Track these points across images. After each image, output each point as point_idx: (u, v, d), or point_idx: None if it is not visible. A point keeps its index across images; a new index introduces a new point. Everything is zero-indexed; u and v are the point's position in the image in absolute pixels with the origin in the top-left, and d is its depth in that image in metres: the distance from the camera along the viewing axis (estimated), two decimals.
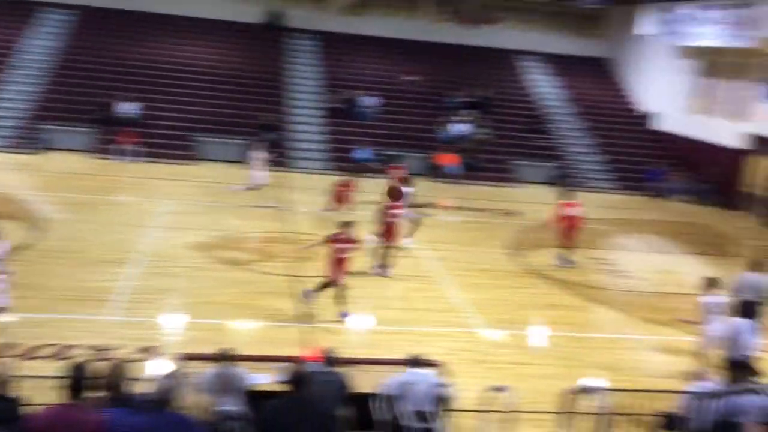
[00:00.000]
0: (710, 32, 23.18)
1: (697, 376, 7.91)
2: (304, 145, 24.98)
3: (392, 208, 14.27)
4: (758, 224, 21.86)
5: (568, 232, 15.43)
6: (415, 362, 7.61)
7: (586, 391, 4.75)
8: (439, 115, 26.78)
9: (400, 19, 30.61)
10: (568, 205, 15.57)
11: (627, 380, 9.73)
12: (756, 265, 11.36)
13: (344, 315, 11.60)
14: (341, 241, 11.68)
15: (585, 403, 5.09)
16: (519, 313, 12.91)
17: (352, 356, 9.03)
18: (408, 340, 10.84)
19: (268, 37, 29.20)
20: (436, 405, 7.28)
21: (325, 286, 11.65)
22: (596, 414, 4.25)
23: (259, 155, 20.09)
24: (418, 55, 29.51)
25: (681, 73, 26.63)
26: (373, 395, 7.42)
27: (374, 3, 30.36)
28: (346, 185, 17.74)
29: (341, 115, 26.19)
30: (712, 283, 10.56)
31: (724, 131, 23.96)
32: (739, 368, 8.73)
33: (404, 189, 15.69)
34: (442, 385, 7.09)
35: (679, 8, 24.67)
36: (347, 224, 11.93)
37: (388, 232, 14.07)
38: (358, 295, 12.95)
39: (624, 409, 7.77)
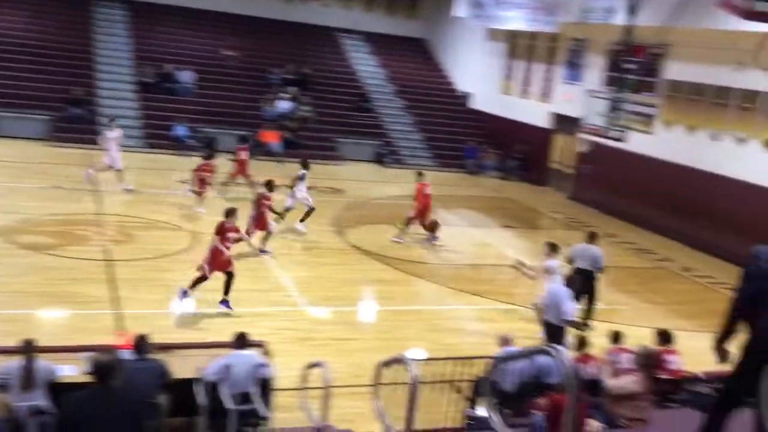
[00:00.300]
0: (517, 17, 24.44)
1: (504, 342, 8.29)
2: (116, 122, 23.47)
3: (267, 198, 14.01)
4: (564, 198, 23.48)
5: (424, 210, 15.93)
6: (238, 343, 7.41)
7: (398, 361, 4.79)
8: (261, 91, 26.28)
9: None
10: (425, 185, 15.94)
11: (445, 349, 10.09)
12: (591, 237, 12.18)
13: (226, 304, 11.11)
14: (229, 230, 11.18)
15: (399, 375, 5.18)
16: (343, 289, 12.99)
17: (172, 341, 8.67)
18: (232, 321, 10.56)
19: (76, 5, 27.18)
20: (258, 386, 7.13)
21: (200, 280, 11.05)
22: (408, 384, 4.30)
23: (113, 134, 18.24)
24: (239, 29, 28.73)
25: (493, 55, 27.93)
26: (195, 380, 7.14)
27: None
28: (206, 168, 16.86)
29: (155, 90, 24.96)
30: (553, 249, 11.51)
31: (533, 111, 25.47)
32: (556, 331, 9.35)
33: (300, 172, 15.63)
34: (263, 366, 6.94)
35: None
36: (231, 212, 11.44)
37: (261, 220, 13.84)
38: (179, 279, 12.46)
39: (443, 376, 8.03)
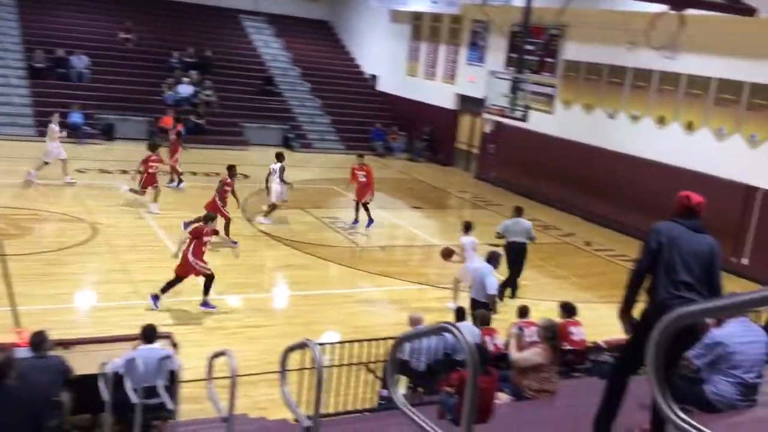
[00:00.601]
0: None
1: (414, 322, 8.37)
2: (5, 109, 22.34)
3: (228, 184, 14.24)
4: (471, 178, 23.89)
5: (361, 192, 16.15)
6: (145, 336, 7.19)
7: (303, 346, 4.75)
8: (161, 76, 25.48)
9: None
10: (359, 169, 15.94)
11: (358, 331, 10.11)
12: (518, 211, 13.06)
13: (207, 305, 10.85)
14: (207, 234, 11.00)
15: (310, 359, 5.14)
16: (253, 276, 12.81)
17: (74, 337, 8.35)
18: (135, 314, 10.25)
19: None
20: (165, 378, 6.94)
21: (173, 283, 10.75)
22: (314, 368, 4.26)
23: (56, 126, 17.25)
24: (137, 11, 27.71)
25: (398, 37, 28.03)
26: (100, 375, 6.89)
27: None
28: (155, 160, 16.10)
29: (46, 76, 23.81)
30: (467, 227, 12.38)
31: (439, 92, 25.74)
32: (482, 307, 9.52)
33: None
34: (169, 357, 6.76)
35: None
36: (211, 218, 11.42)
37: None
38: (79, 272, 12.01)
39: (357, 359, 8.06)
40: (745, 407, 5.47)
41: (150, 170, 15.88)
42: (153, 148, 16.69)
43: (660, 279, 4.59)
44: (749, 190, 15.62)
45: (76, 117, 22.13)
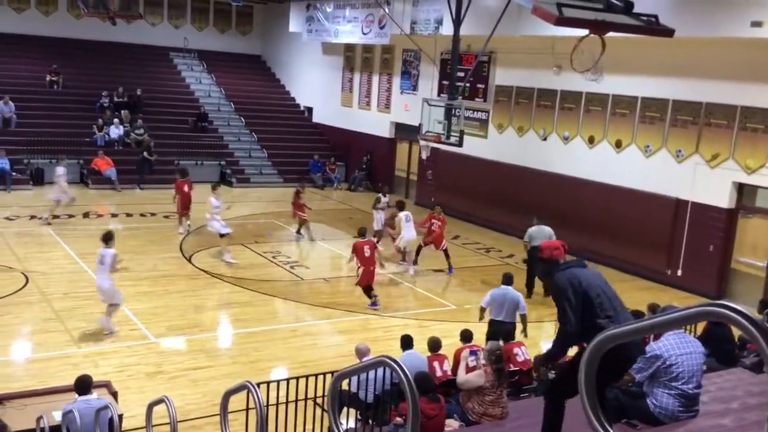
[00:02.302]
0: (349, 31, 24.80)
1: (361, 353, 8.31)
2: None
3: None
4: (411, 204, 23.98)
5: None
6: (78, 388, 6.93)
7: (243, 388, 4.65)
8: (91, 117, 24.98)
9: (35, 14, 27.94)
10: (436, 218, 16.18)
11: (304, 366, 9.98)
12: (540, 219, 14.87)
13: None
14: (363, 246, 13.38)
15: (250, 399, 5.04)
16: (194, 316, 12.55)
17: (7, 391, 8.03)
18: (72, 364, 9.92)
19: None
20: (105, 429, 6.69)
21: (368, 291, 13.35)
22: (256, 408, 4.17)
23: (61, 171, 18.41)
24: (61, 53, 27.18)
25: (331, 68, 28.18)
26: (37, 430, 6.62)
27: None
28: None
29: None
30: (402, 204, 16.45)
31: (375, 122, 25.91)
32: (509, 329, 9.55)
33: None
34: (106, 408, 6.53)
35: (321, 7, 26.00)
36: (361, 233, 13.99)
37: None
38: (13, 323, 11.58)
39: (304, 395, 7.92)
40: (687, 418, 5.57)
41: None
42: (183, 174, 18.52)
43: (589, 323, 4.74)
44: (679, 204, 16.12)
45: (2, 163, 21.48)
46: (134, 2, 28.45)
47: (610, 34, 11.28)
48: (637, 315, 9.70)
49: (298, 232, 18.27)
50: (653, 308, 9.21)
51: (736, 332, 8.48)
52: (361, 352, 8.33)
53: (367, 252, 13.25)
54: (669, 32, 12.04)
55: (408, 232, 15.71)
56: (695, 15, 14.19)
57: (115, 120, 24.75)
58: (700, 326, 8.78)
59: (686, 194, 15.98)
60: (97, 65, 27.48)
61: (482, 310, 10.77)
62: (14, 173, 21.64)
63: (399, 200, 17.17)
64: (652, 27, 11.83)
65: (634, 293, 15.32)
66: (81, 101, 25.71)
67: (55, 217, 18.07)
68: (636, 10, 11.53)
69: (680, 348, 5.64)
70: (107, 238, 11.20)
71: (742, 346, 8.67)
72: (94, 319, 11.60)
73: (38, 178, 22.36)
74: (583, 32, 11.05)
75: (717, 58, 15.18)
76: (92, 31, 27.89)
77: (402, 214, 15.87)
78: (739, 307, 1.94)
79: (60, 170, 18.57)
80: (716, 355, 7.91)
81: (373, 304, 13.31)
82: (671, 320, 1.87)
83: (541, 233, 14.23)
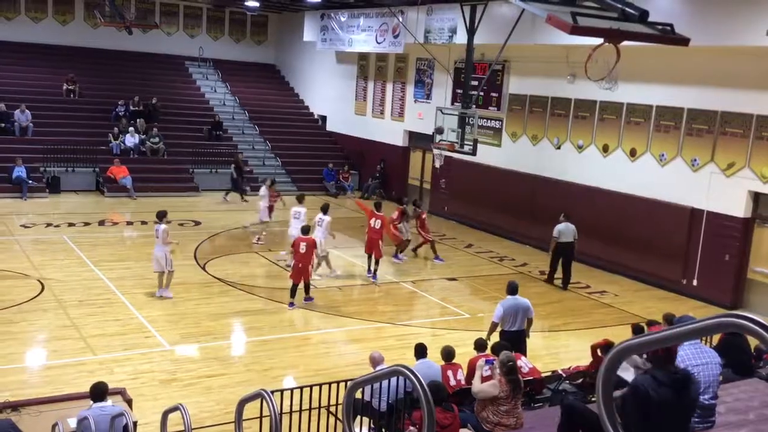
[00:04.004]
0: (363, 40, 24.89)
1: (375, 361, 8.31)
2: None
3: None
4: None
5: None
6: (94, 395, 6.97)
7: (258, 397, 4.66)
8: (106, 126, 25.19)
9: (52, 24, 28.25)
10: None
11: (318, 374, 9.98)
12: (567, 216, 16.02)
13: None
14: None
15: (264, 407, 5.05)
16: (208, 324, 12.58)
17: (23, 398, 8.07)
18: (88, 371, 9.97)
19: None
20: None
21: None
22: (270, 416, 4.18)
23: None
24: (78, 62, 27.47)
25: (345, 77, 28.28)
26: None
27: (18, 8, 27.65)
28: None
29: None
30: (301, 198, 16.60)
31: (388, 130, 25.96)
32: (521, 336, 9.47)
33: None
34: (122, 415, 6.56)
35: (335, 16, 26.11)
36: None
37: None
38: (28, 330, 11.66)
39: (318, 403, 7.93)
40: (703, 429, 5.53)
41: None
42: (272, 183, 19.09)
43: None
44: (694, 213, 16.02)
45: (19, 171, 21.68)
46: (150, 12, 28.83)
47: (625, 42, 11.25)
48: (652, 324, 9.66)
49: (435, 255, 17.86)
50: (669, 318, 9.17)
51: (753, 342, 8.42)
52: (375, 361, 8.33)
53: (302, 248, 13.30)
54: (684, 41, 11.99)
55: (294, 230, 15.12)
56: (711, 23, 14.14)
57: (131, 128, 24.93)
58: (716, 336, 8.70)
59: (702, 203, 15.89)
60: (113, 74, 27.72)
61: (494, 325, 10.13)
62: (31, 181, 21.83)
63: (299, 195, 17.45)
64: (668, 36, 11.79)
65: (650, 303, 15.25)
66: (97, 110, 25.94)
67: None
68: (651, 18, 11.50)
69: (696, 358, 5.60)
70: (161, 216, 13.48)
71: (758, 357, 8.60)
72: (110, 327, 11.67)
73: (54, 186, 22.56)
74: (597, 41, 11.03)
75: (732, 66, 15.11)
76: (109, 40, 28.19)
77: (301, 210, 15.88)
78: (757, 318, 1.93)
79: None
80: (732, 366, 7.84)
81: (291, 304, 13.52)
82: (689, 331, 1.86)
83: (568, 229, 15.77)
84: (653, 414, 4.36)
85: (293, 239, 14.61)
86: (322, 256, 15.24)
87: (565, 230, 15.78)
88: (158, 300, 13.35)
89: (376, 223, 15.82)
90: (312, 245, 13.55)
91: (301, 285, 13.53)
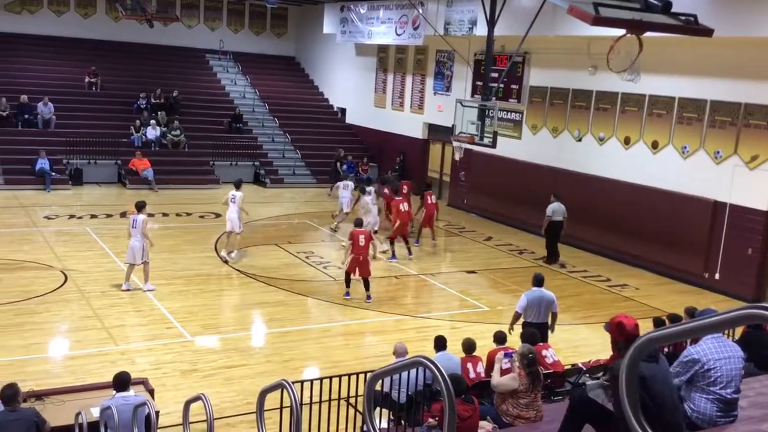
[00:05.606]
0: (383, 32, 24.85)
1: (399, 352, 8.33)
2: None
3: None
4: (443, 205, 23.93)
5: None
6: (116, 384, 7.05)
7: (279, 387, 4.69)
8: (128, 118, 25.38)
9: (74, 17, 28.48)
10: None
11: (337, 366, 10.02)
12: (557, 197, 17.03)
13: None
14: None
15: (285, 398, 5.08)
16: (229, 315, 12.68)
17: (47, 387, 8.18)
18: (110, 361, 10.09)
19: None
20: (141, 426, 6.79)
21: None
22: (291, 407, 4.20)
23: None
24: (100, 55, 27.67)
25: (364, 69, 28.25)
26: (75, 426, 6.74)
27: (41, 1, 27.91)
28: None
29: (10, 123, 23.60)
30: (239, 183, 16.67)
31: (408, 122, 25.91)
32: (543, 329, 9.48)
33: None
34: (144, 405, 6.63)
35: (355, 8, 26.08)
36: None
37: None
38: (51, 321, 11.80)
39: (337, 394, 7.96)
40: (725, 423, 5.48)
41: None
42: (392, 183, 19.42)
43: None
44: (717, 206, 15.86)
45: (42, 163, 21.92)
46: (171, 5, 28.95)
47: (648, 33, 11.14)
48: (675, 318, 9.59)
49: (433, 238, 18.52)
50: (691, 312, 9.09)
51: None
52: (398, 352, 8.35)
53: (361, 241, 13.41)
54: (708, 32, 11.86)
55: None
56: (734, 14, 13.95)
57: (152, 121, 25.09)
58: (738, 330, 8.62)
59: (724, 196, 15.72)
60: (134, 67, 27.90)
61: (517, 315, 10.23)
62: (54, 173, 22.06)
63: (238, 179, 17.52)
64: (691, 27, 11.67)
65: (671, 296, 15.13)
66: (119, 102, 26.14)
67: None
68: (674, 9, 11.37)
69: (719, 352, 5.55)
70: (140, 206, 13.44)
71: None
72: (131, 318, 11.79)
73: (77, 178, 22.78)
74: (619, 32, 10.94)
75: (756, 58, 14.91)
76: (130, 33, 28.37)
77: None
78: None
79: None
80: (755, 360, 7.76)
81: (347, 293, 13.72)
82: (712, 323, 1.85)
83: (560, 209, 16.86)
84: (648, 387, 4.47)
85: (230, 222, 15.67)
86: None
87: (557, 209, 16.84)
88: (179, 292, 13.45)
89: (403, 207, 16.84)
90: (368, 238, 13.76)
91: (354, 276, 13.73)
